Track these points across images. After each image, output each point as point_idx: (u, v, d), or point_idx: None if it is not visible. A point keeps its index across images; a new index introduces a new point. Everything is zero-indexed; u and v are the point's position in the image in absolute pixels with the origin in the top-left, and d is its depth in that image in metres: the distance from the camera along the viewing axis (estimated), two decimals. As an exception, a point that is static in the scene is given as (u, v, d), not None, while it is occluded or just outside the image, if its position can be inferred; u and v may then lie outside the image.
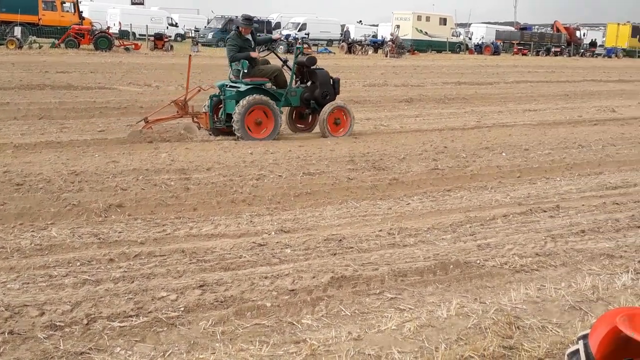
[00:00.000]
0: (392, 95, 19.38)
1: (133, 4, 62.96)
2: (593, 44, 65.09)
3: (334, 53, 45.73)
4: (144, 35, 43.76)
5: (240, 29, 11.43)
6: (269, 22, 53.71)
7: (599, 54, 64.32)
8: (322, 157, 9.62)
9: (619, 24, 70.41)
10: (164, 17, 56.09)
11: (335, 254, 5.63)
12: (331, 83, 11.74)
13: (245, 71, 11.07)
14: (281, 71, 11.55)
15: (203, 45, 46.43)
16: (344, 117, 11.74)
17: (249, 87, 10.94)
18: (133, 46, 37.71)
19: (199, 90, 11.57)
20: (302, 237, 6.06)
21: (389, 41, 46.55)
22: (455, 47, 57.26)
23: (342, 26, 64.46)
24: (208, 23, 57.68)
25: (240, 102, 10.68)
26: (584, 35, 69.39)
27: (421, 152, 10.24)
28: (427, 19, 57.41)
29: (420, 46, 53.35)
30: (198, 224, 6.41)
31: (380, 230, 6.33)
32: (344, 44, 49.68)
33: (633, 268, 5.39)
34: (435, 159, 9.75)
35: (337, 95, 11.88)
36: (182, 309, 4.45)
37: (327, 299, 4.71)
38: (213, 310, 4.45)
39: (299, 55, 11.92)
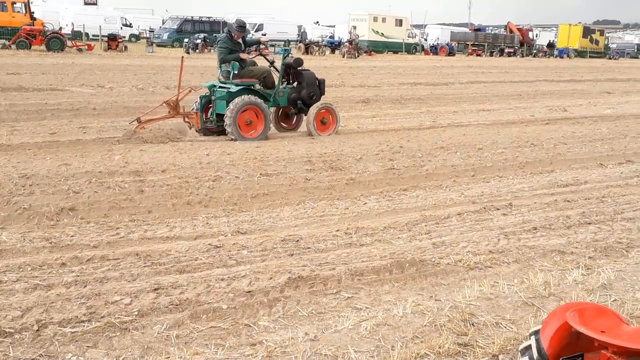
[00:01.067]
0: (349, 96, 19.45)
1: (86, 4, 61.79)
2: (551, 45, 66.32)
3: (292, 55, 45.66)
4: (98, 35, 43.02)
5: (232, 34, 11.64)
6: (225, 23, 53.20)
7: (551, 55, 65.73)
8: (280, 157, 9.59)
9: (570, 24, 72.12)
10: (117, 18, 55.16)
11: (292, 255, 5.62)
12: (317, 84, 12.06)
13: (236, 72, 11.32)
14: (270, 72, 11.83)
15: (158, 45, 45.84)
16: (330, 117, 12.15)
17: (239, 87, 11.18)
18: (86, 47, 37.04)
19: (190, 91, 11.75)
20: (259, 238, 6.03)
21: (347, 42, 46.77)
22: (411, 48, 57.83)
23: (299, 27, 64.47)
24: (163, 23, 56.99)
25: (232, 102, 10.91)
26: (536, 36, 70.79)
27: (378, 152, 10.30)
28: (383, 20, 57.84)
29: (376, 47, 53.75)
30: (153, 226, 6.32)
31: (338, 230, 6.35)
32: (301, 44, 49.68)
33: (583, 264, 5.52)
34: (391, 159, 9.81)
35: (322, 96, 12.19)
36: (136, 313, 4.38)
37: (284, 299, 4.69)
38: (168, 314, 4.39)
39: (287, 57, 12.17)
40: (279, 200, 7.54)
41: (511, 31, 67.85)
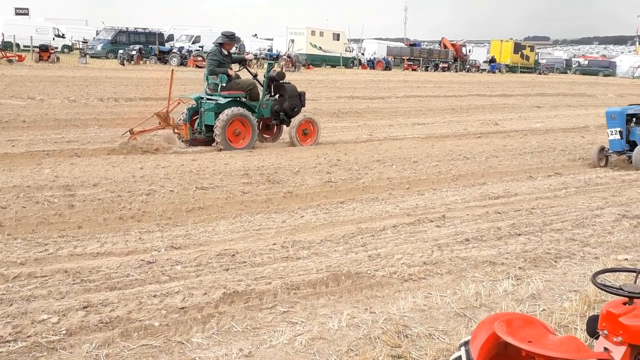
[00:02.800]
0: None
1: (17, 14, 60.01)
2: (493, 60, 67.87)
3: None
4: (29, 46, 41.76)
5: (223, 44, 12.17)
6: (161, 34, 52.56)
7: (483, 70, 67.52)
8: (216, 170, 9.50)
9: (502, 40, 74.27)
10: (50, 28, 53.66)
11: (227, 269, 5.56)
12: (298, 96, 12.67)
13: (224, 85, 11.82)
14: (255, 85, 12.35)
15: (92, 57, 44.81)
16: (312, 128, 12.83)
17: (228, 100, 11.69)
18: (17, 58, 35.88)
19: (179, 103, 12.14)
20: (194, 253, 5.94)
21: (285, 55, 46.87)
22: (348, 62, 58.40)
23: (238, 39, 64.24)
24: (97, 34, 55.78)
25: (222, 114, 11.40)
26: (469, 52, 72.61)
27: (315, 165, 10.33)
28: (321, 34, 58.26)
29: (314, 61, 54.05)
30: (83, 242, 6.15)
31: (274, 244, 6.31)
32: (238, 57, 49.47)
33: (513, 274, 5.65)
34: (329, 172, 9.87)
35: (303, 107, 12.82)
36: (64, 332, 4.24)
37: (219, 315, 4.63)
38: (97, 332, 4.26)
39: (270, 71, 12.71)
40: (215, 214, 7.46)
41: (445, 46, 69.41)
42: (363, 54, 64.59)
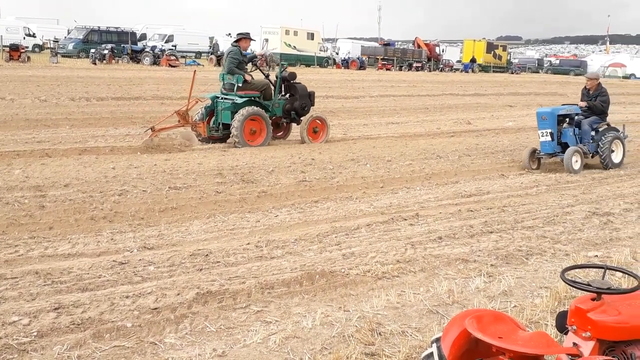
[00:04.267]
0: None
1: (-13, 14, 59.07)
2: (473, 60, 68.26)
3: (202, 65, 45.25)
4: (-1, 45, 41.08)
5: (240, 42, 12.74)
6: (133, 33, 51.99)
7: (457, 69, 68.03)
8: (190, 170, 9.45)
9: (474, 40, 74.85)
10: (20, 27, 52.80)
11: (201, 270, 5.54)
12: (308, 96, 13.25)
13: (240, 85, 12.33)
14: (269, 85, 12.89)
15: (63, 56, 44.22)
16: (322, 126, 13.43)
17: (244, 99, 12.22)
18: (-15, 57, 35.32)
19: (196, 102, 12.62)
20: (167, 253, 5.90)
21: (259, 55, 46.79)
22: (323, 62, 58.41)
23: (211, 38, 63.86)
24: (68, 33, 55.04)
25: (239, 113, 11.98)
26: (442, 51, 73.06)
27: (290, 165, 10.33)
28: (295, 33, 58.18)
29: (289, 60, 53.89)
30: (54, 243, 6.07)
31: (248, 244, 6.30)
32: (212, 56, 49.20)
33: (485, 271, 5.71)
34: (303, 171, 9.87)
35: (312, 106, 13.37)
36: (35, 333, 4.19)
37: (192, 315, 4.61)
38: (69, 334, 4.22)
39: (283, 71, 13.23)
40: (188, 214, 7.42)
41: (419, 46, 69.76)
42: (337, 54, 64.67)
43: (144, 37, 57.83)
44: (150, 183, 8.46)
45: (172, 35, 56.18)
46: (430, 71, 62.40)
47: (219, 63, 46.88)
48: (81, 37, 48.61)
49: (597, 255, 6.28)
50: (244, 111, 12.01)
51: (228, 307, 4.80)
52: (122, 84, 24.20)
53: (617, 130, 11.45)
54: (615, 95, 35.50)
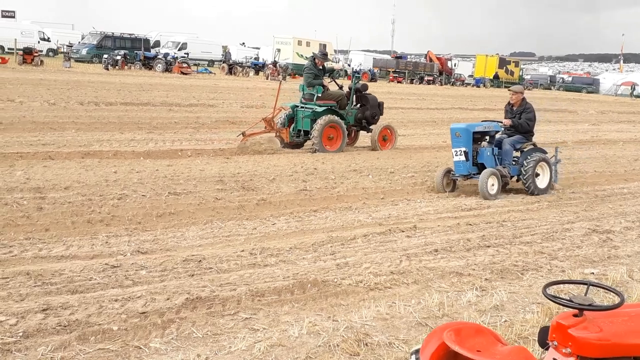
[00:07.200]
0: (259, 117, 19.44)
1: (3, 16, 59.62)
2: (496, 76, 68.21)
3: (214, 74, 45.46)
4: (13, 49, 41.44)
5: (316, 60, 13.80)
6: (147, 40, 52.36)
7: (468, 84, 67.96)
8: (191, 176, 9.47)
9: (487, 55, 74.79)
10: (35, 31, 53.36)
11: (193, 275, 5.53)
12: (378, 106, 14.25)
13: (319, 95, 13.44)
14: (344, 95, 13.98)
15: (77, 61, 44.59)
16: (390, 134, 14.54)
17: (323, 108, 13.25)
18: (0, 60, 35.61)
19: (280, 110, 13.71)
20: (160, 258, 5.90)
21: (270, 64, 46.90)
22: (334, 73, 58.49)
23: (224, 47, 64.18)
24: (82, 39, 55.48)
25: (319, 120, 13.00)
26: (455, 66, 73.05)
27: (292, 173, 10.33)
28: (308, 44, 58.34)
29: (300, 70, 54.10)
30: (48, 245, 6.08)
31: (242, 251, 6.29)
32: (224, 65, 49.44)
33: (479, 285, 5.67)
34: (304, 180, 9.86)
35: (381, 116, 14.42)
36: (21, 334, 4.19)
37: (179, 321, 4.59)
38: (55, 335, 4.22)
39: (356, 83, 14.21)
40: (185, 219, 7.41)
41: (431, 60, 69.78)
42: (349, 65, 64.79)
43: (157, 44, 58.26)
44: (150, 188, 8.47)
45: (185, 43, 56.54)
46: (441, 85, 62.35)
47: (230, 71, 47.15)
48: (95, 42, 49.02)
49: (593, 273, 6.22)
50: (324, 118, 12.99)
51: (217, 313, 4.78)
52: (132, 90, 24.34)
53: (544, 152, 10.24)
54: (626, 114, 35.36)
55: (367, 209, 8.56)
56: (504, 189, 10.07)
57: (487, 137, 10.06)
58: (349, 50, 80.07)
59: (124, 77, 32.63)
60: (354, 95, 14.12)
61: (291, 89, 18.50)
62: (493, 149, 9.98)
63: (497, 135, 10.19)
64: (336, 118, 13.27)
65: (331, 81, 14.40)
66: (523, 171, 9.93)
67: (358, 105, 14.19)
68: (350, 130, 14.20)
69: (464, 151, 9.68)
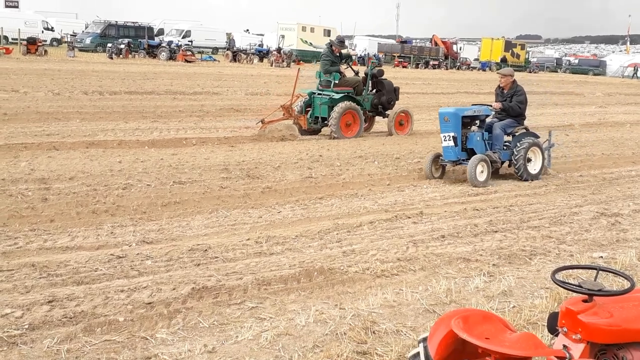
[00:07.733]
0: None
1: (7, 6, 59.51)
2: (504, 59, 67.68)
3: (218, 61, 45.31)
4: (17, 39, 41.38)
5: (333, 47, 13.83)
6: (150, 28, 52.16)
7: (474, 67, 67.54)
8: (196, 165, 9.44)
9: (492, 38, 74.22)
10: (39, 21, 53.20)
11: (199, 265, 5.50)
12: (394, 91, 14.27)
13: (336, 82, 13.54)
14: (360, 82, 14.00)
15: (80, 50, 44.47)
16: (407, 119, 14.58)
17: (340, 95, 13.38)
18: (4, 50, 35.56)
19: (298, 97, 13.82)
20: (166, 247, 5.88)
21: (275, 50, 46.72)
22: (339, 58, 58.21)
23: (228, 34, 63.95)
24: (86, 28, 55.35)
25: (337, 107, 13.10)
26: (460, 49, 72.56)
27: (297, 161, 10.28)
28: (312, 30, 58.07)
29: (305, 56, 53.83)
30: (54, 236, 6.07)
31: (248, 239, 6.26)
32: (228, 52, 49.26)
33: (486, 271, 5.63)
34: (310, 168, 9.81)
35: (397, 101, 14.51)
36: (27, 326, 4.18)
37: (186, 311, 4.57)
38: (60, 327, 4.20)
39: (373, 69, 14.34)
40: (190, 208, 7.39)
41: (436, 44, 69.32)
42: (354, 50, 64.46)
43: (161, 32, 58.04)
44: (155, 177, 8.45)
45: (189, 31, 56.35)
46: (447, 69, 61.99)
47: (234, 59, 47.00)
48: (99, 31, 48.88)
49: (602, 257, 6.16)
50: (341, 105, 13.07)
51: (223, 302, 4.76)
52: (136, 79, 24.28)
53: (536, 136, 9.97)
54: (633, 96, 35.09)
55: (373, 195, 8.52)
56: (495, 174, 9.88)
57: (477, 122, 9.78)
58: (353, 36, 79.70)
59: (128, 65, 32.57)
60: (370, 81, 14.20)
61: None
62: (483, 133, 9.70)
63: (488, 120, 9.90)
64: (353, 104, 13.38)
65: (347, 67, 14.55)
66: (514, 157, 9.65)
67: (374, 91, 14.28)
68: (366, 116, 14.25)
69: (453, 136, 9.41)
